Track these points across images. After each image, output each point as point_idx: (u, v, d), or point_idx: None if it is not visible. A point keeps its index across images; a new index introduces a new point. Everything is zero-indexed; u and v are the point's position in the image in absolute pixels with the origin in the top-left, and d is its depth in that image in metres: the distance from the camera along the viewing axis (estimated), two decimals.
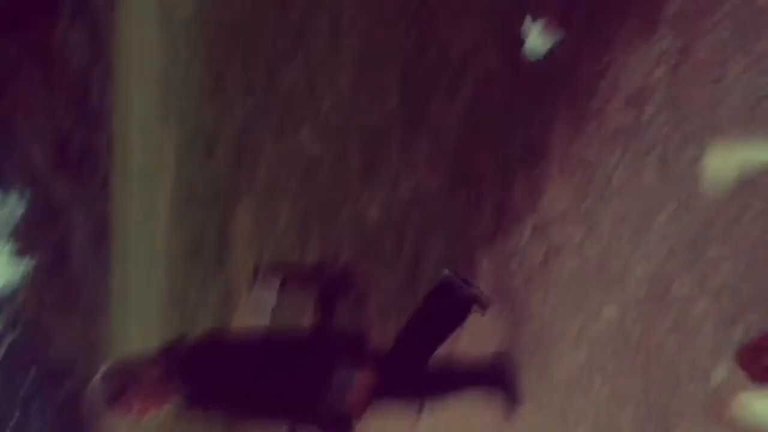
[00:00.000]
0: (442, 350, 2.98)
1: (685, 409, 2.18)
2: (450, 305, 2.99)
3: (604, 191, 2.58)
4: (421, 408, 2.95)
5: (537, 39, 2.43)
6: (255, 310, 5.18)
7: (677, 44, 2.38)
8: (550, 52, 2.48)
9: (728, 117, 2.18)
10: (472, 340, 3.11)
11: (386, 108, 4.43)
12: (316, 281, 4.59)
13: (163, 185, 13.73)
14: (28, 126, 34.15)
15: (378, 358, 2.88)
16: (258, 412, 2.82)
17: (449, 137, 3.69)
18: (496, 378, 2.92)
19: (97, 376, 2.70)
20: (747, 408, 1.51)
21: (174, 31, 13.60)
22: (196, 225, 10.29)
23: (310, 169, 5.54)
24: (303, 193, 5.75)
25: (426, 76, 4.00)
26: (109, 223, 38.41)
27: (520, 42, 2.59)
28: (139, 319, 20.76)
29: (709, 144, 2.07)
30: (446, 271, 3.01)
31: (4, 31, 20.74)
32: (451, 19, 3.78)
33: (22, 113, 29.80)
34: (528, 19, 2.47)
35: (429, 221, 3.82)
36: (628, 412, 2.42)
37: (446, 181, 3.65)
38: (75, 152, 36.09)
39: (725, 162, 1.83)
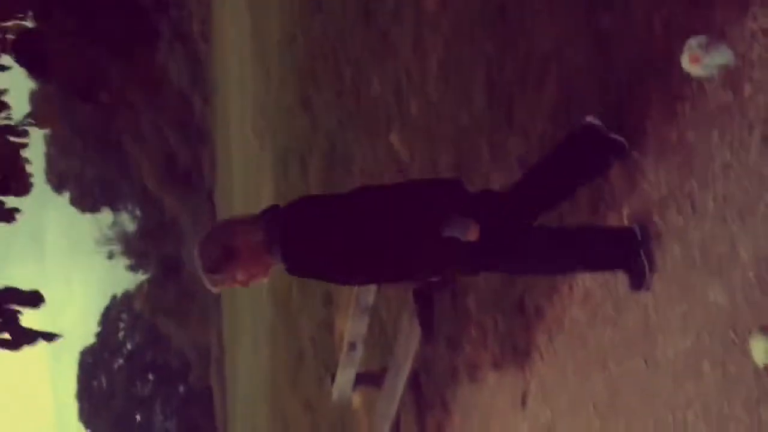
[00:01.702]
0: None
1: None
2: (587, 154, 2.79)
3: (707, 173, 2.50)
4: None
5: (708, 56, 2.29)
6: (355, 307, 5.33)
7: None
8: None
9: None
10: None
11: (474, 108, 4.45)
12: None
13: (262, 199, 14.20)
14: (138, 146, 36.09)
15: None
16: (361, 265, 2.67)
17: (538, 135, 3.66)
18: (627, 244, 2.71)
19: (198, 244, 2.59)
20: None
21: (265, 54, 14.06)
22: None
23: (402, 173, 5.61)
24: None
25: (512, 74, 3.99)
26: None
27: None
28: (250, 327, 21.48)
29: None
30: (591, 118, 2.78)
31: (113, 61, 22.14)
32: (534, 15, 3.76)
33: (131, 133, 31.49)
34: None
35: None
36: (741, 396, 2.35)
37: None
38: (181, 169, 37.83)
39: None
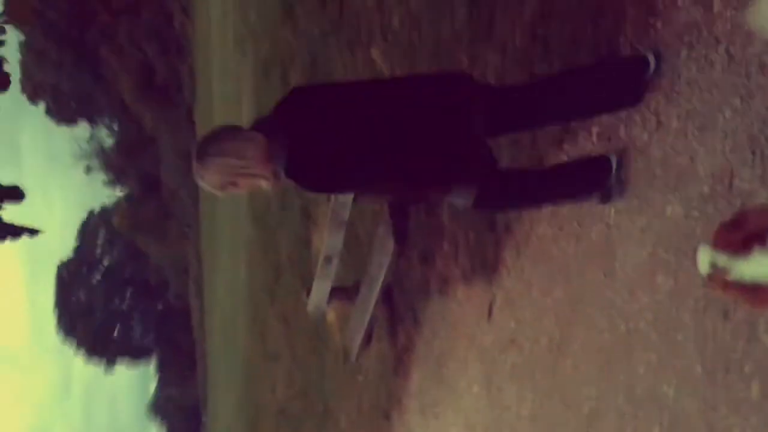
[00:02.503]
0: None
1: None
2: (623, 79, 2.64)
3: (673, 89, 2.55)
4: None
5: None
6: (331, 221, 5.40)
7: None
8: None
9: None
10: None
11: (455, 22, 4.42)
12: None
13: (243, 111, 14.05)
14: (116, 58, 35.22)
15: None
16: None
17: (518, 48, 3.67)
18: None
19: (197, 159, 2.45)
20: None
21: None
22: None
23: None
24: None
25: None
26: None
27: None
28: (228, 243, 21.62)
29: None
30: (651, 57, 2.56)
31: None
32: None
33: (108, 45, 30.64)
34: None
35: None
36: (689, 306, 2.48)
37: None
38: (160, 83, 37.08)
39: None
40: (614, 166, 2.78)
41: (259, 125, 2.57)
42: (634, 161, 2.73)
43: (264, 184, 2.54)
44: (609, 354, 2.96)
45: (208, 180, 2.50)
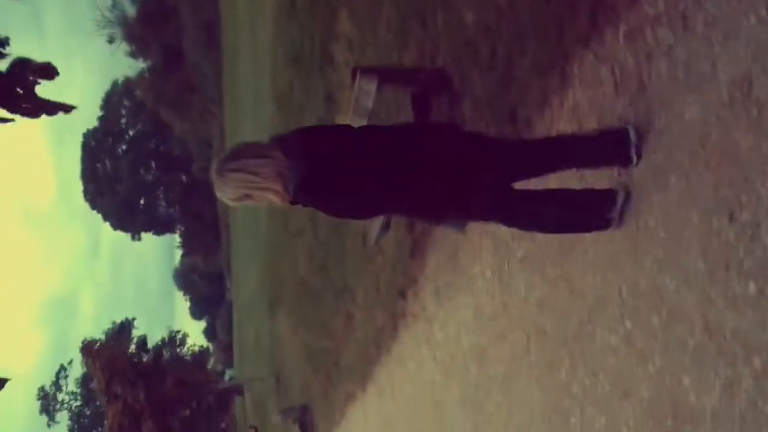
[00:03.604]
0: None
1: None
2: (605, 151, 2.94)
3: None
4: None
5: None
6: (354, 108, 5.45)
7: None
8: None
9: None
10: None
11: None
12: (413, 81, 4.77)
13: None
14: None
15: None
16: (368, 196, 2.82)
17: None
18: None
19: (218, 166, 2.70)
20: None
21: None
22: (298, 31, 10.44)
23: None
24: None
25: None
26: (219, 25, 38.93)
27: None
28: (249, 117, 21.69)
29: None
30: (630, 127, 2.90)
31: None
32: None
33: None
34: None
35: (523, 25, 3.83)
36: (698, 206, 2.59)
37: None
38: None
39: None
40: (620, 198, 2.97)
41: (279, 142, 2.78)
42: (658, 63, 2.76)
43: (275, 200, 2.76)
44: (617, 248, 3.10)
45: (226, 192, 2.74)
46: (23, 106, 3.83)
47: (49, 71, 3.96)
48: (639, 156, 2.89)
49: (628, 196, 2.96)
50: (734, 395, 2.47)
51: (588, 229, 3.16)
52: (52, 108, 4.19)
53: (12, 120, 3.73)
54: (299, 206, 2.90)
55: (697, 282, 2.61)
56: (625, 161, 2.93)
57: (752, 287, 2.40)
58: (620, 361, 3.13)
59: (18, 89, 3.98)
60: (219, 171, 2.74)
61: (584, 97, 3.32)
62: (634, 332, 3.01)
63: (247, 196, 2.77)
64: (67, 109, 4.17)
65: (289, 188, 2.73)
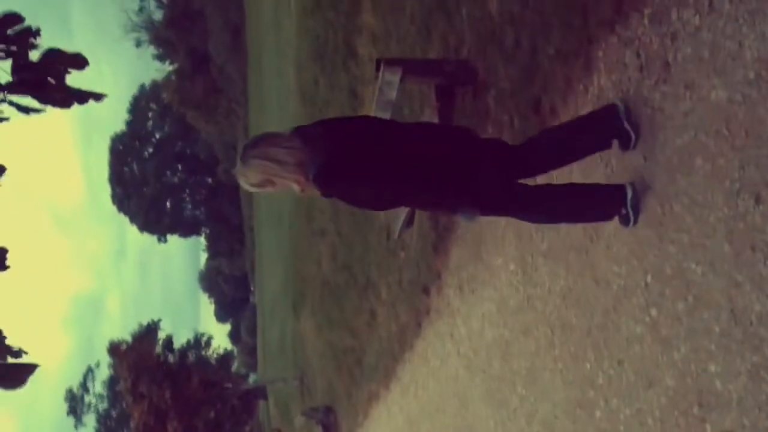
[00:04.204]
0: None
1: None
2: (601, 131, 3.03)
3: None
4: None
5: None
6: (378, 100, 5.46)
7: None
8: None
9: None
10: None
11: None
12: (437, 73, 4.77)
13: None
14: None
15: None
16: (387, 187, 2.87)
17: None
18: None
19: (241, 163, 2.77)
20: None
21: None
22: (323, 25, 10.48)
23: None
24: None
25: None
26: (244, 27, 39.31)
27: None
28: (275, 117, 21.82)
29: None
30: (619, 102, 3.01)
31: None
32: None
33: None
34: None
35: (548, 13, 3.81)
36: (724, 188, 2.55)
37: None
38: None
39: None
40: (630, 194, 3.03)
41: (300, 132, 2.85)
42: (683, 46, 2.73)
43: (295, 188, 2.83)
44: (641, 235, 3.07)
45: (249, 178, 2.81)
46: (54, 95, 3.91)
47: (79, 61, 4.03)
48: (636, 132, 2.97)
49: (634, 191, 3.03)
50: (761, 381, 2.42)
51: (598, 219, 3.26)
52: (82, 97, 4.27)
53: (43, 110, 3.83)
54: (320, 196, 2.94)
55: (724, 266, 2.57)
56: (623, 138, 3.00)
57: None
58: (645, 350, 3.09)
59: (50, 79, 4.07)
60: (242, 157, 2.82)
61: (608, 81, 3.29)
62: (660, 320, 2.97)
63: (269, 182, 2.83)
64: (98, 97, 4.25)
65: (309, 177, 2.77)
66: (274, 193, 3.00)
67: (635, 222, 3.06)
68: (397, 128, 3.02)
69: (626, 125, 2.98)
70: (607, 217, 3.19)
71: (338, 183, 2.82)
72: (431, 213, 3.24)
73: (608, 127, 3.02)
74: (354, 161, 2.79)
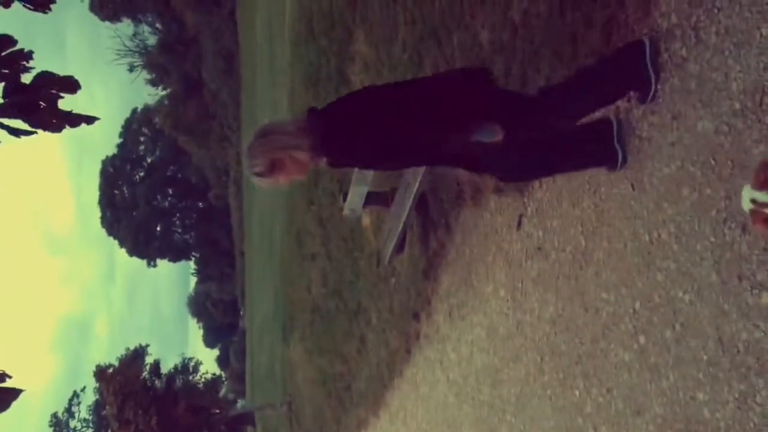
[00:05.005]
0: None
1: None
2: (628, 71, 2.90)
3: (713, 4, 2.56)
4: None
5: None
6: None
7: None
8: None
9: None
10: None
11: None
12: None
13: (285, 15, 13.94)
14: None
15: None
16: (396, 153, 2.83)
17: None
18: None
19: (248, 149, 2.75)
20: None
21: None
22: (316, 53, 10.57)
23: None
24: (418, 18, 5.82)
25: None
26: (237, 53, 39.48)
27: None
28: None
29: None
30: (645, 38, 2.87)
31: None
32: None
33: None
34: None
35: (537, 42, 3.87)
36: (710, 217, 2.58)
37: (556, 1, 3.65)
38: None
39: None
40: (615, 126, 3.06)
41: (303, 114, 2.82)
42: (670, 78, 2.78)
43: (304, 159, 2.76)
44: (630, 262, 3.09)
45: (257, 164, 2.75)
46: (46, 118, 3.90)
47: (71, 84, 4.04)
48: (657, 76, 2.86)
49: (620, 124, 3.05)
50: (748, 409, 2.43)
51: (593, 164, 3.27)
52: (74, 120, 4.26)
53: (35, 132, 3.82)
54: (331, 167, 2.91)
55: (711, 294, 2.60)
56: (644, 85, 2.90)
57: (765, 298, 2.38)
58: (634, 377, 3.10)
59: (41, 102, 4.07)
60: (248, 147, 2.79)
61: (597, 111, 3.32)
62: (648, 347, 2.99)
63: (276, 166, 2.76)
64: (90, 120, 4.24)
65: (315, 143, 2.73)
66: (284, 185, 2.96)
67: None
68: (404, 84, 2.97)
69: (650, 70, 2.86)
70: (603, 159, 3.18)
71: (343, 135, 2.76)
72: (448, 162, 3.08)
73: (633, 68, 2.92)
74: (356, 118, 2.77)
